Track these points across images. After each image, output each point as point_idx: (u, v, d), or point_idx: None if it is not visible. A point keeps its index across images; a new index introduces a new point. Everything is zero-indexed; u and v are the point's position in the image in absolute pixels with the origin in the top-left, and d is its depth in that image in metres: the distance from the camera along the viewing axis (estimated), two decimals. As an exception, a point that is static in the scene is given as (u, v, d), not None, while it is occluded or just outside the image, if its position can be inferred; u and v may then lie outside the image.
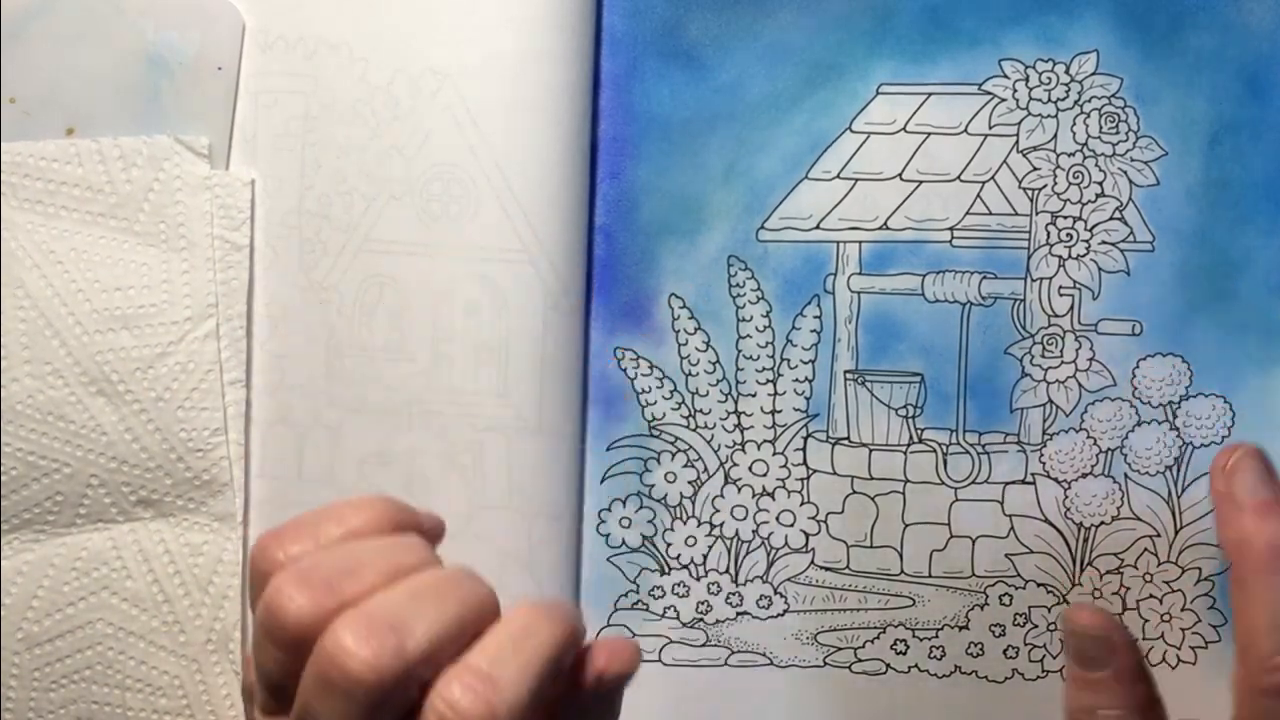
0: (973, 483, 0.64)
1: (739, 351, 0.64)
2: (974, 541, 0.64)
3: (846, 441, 0.64)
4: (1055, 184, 0.63)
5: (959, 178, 0.63)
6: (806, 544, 0.65)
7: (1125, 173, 0.63)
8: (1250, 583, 0.55)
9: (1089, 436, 0.64)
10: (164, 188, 0.61)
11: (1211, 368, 0.63)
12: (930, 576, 0.64)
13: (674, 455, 0.65)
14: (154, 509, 0.62)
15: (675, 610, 0.65)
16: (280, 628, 0.43)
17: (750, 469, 0.64)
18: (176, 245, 0.61)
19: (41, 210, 0.61)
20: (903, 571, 0.65)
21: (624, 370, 0.64)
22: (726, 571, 0.65)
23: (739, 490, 0.65)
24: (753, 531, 0.65)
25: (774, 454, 0.64)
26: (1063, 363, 0.64)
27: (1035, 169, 0.63)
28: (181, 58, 0.61)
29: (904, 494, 0.64)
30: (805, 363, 0.64)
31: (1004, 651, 0.65)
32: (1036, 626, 0.64)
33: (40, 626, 0.61)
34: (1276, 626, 0.54)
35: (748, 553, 0.65)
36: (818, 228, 0.64)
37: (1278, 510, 0.56)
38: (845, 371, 0.64)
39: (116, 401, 0.60)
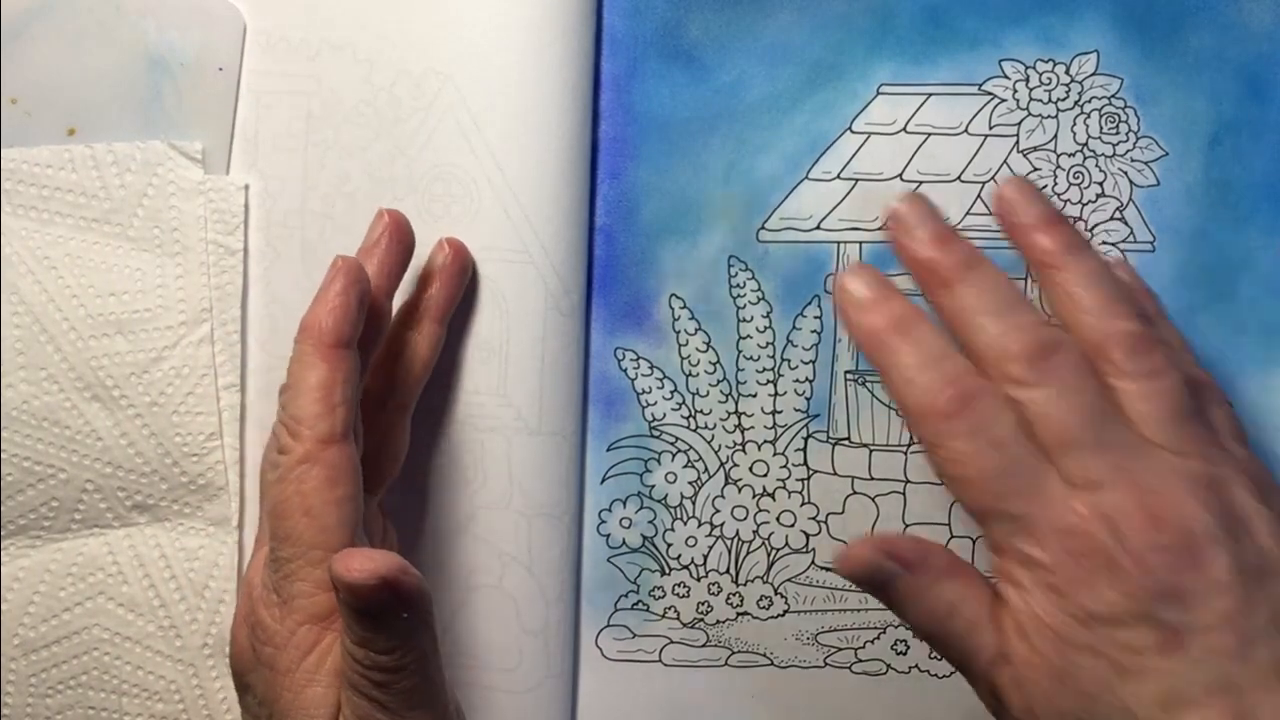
0: (973, 483, 0.61)
1: (739, 352, 0.62)
2: (974, 542, 0.62)
3: (847, 442, 0.63)
4: (1055, 184, 0.62)
5: (959, 178, 0.62)
6: (807, 544, 0.63)
7: (1125, 173, 0.62)
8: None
9: (1089, 437, 0.61)
10: (158, 193, 0.60)
11: (1211, 368, 0.61)
12: (930, 576, 0.61)
13: (674, 456, 0.63)
14: (149, 514, 0.60)
15: (675, 611, 0.63)
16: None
17: (751, 469, 0.63)
18: (170, 250, 0.60)
19: (36, 216, 0.60)
20: (903, 571, 0.62)
21: (624, 370, 0.62)
22: (727, 572, 0.63)
23: (739, 491, 0.63)
24: (753, 532, 0.63)
25: (774, 454, 0.63)
26: (1063, 363, 0.61)
27: (1035, 169, 0.62)
28: (183, 58, 0.60)
29: (904, 494, 0.63)
30: (806, 363, 0.62)
31: (1004, 651, 0.62)
32: (1036, 627, 0.61)
33: (36, 632, 0.60)
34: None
35: (748, 553, 0.63)
36: (818, 228, 0.62)
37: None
38: (846, 372, 0.62)
39: (111, 407, 0.59)
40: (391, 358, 0.57)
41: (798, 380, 0.62)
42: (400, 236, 0.57)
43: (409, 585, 0.47)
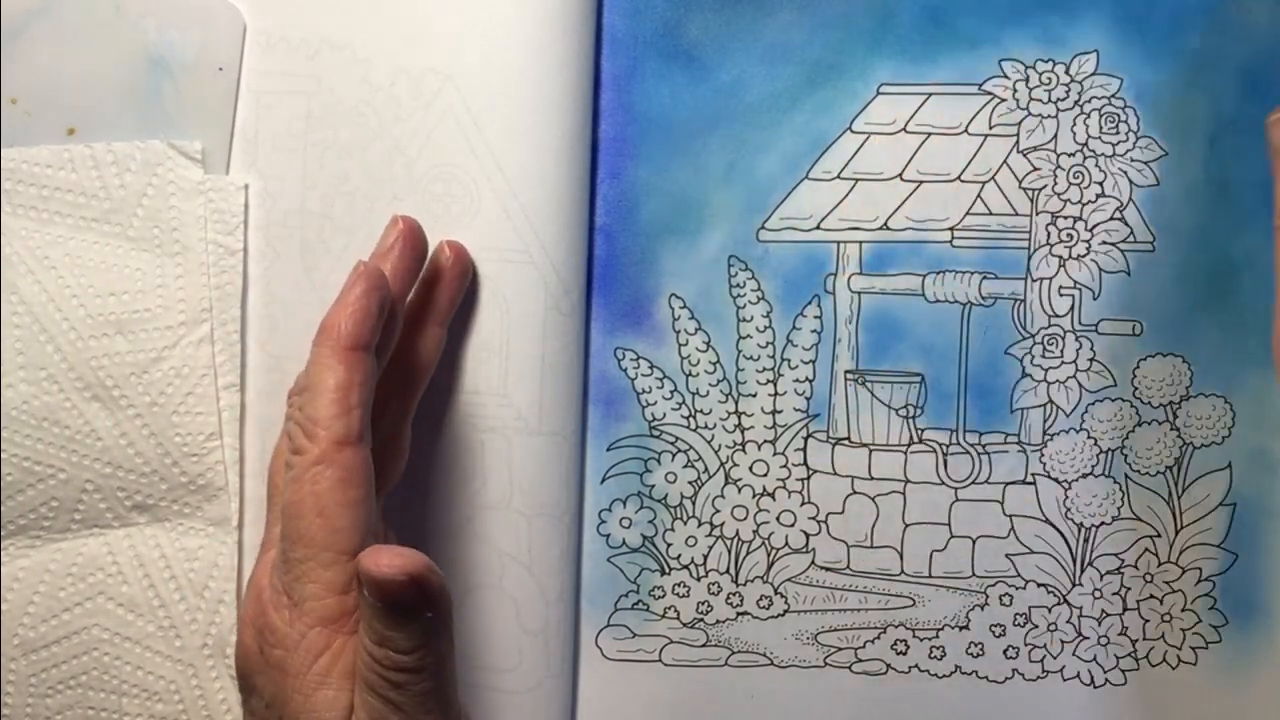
0: (973, 483, 0.62)
1: (739, 352, 0.62)
2: (974, 542, 0.62)
3: (847, 441, 0.62)
4: (1055, 184, 0.62)
5: (959, 178, 0.62)
6: (807, 544, 0.63)
7: (1125, 173, 0.61)
8: None
9: (1089, 437, 0.62)
10: (158, 193, 0.60)
11: (1211, 368, 0.62)
12: (930, 576, 0.63)
13: (674, 455, 0.63)
14: (149, 514, 0.60)
15: (676, 610, 0.63)
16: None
17: (751, 469, 0.62)
18: (170, 250, 0.60)
19: (36, 216, 0.60)
20: (903, 571, 0.63)
21: (624, 370, 0.62)
22: (727, 572, 0.63)
23: (739, 490, 0.63)
24: (753, 532, 0.63)
25: (774, 454, 0.62)
26: (1063, 363, 0.62)
27: (1035, 169, 0.62)
28: (183, 58, 0.60)
29: (904, 494, 0.62)
30: (805, 363, 0.62)
31: (1004, 651, 0.63)
32: (1036, 626, 0.63)
33: (36, 632, 0.60)
34: None
35: (748, 553, 0.63)
36: (818, 228, 0.62)
37: None
38: (845, 372, 0.62)
39: (111, 407, 0.59)
40: (394, 361, 0.57)
41: (798, 380, 0.62)
42: (414, 243, 0.57)
43: (435, 584, 0.48)
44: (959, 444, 0.62)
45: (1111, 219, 0.61)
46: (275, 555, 0.52)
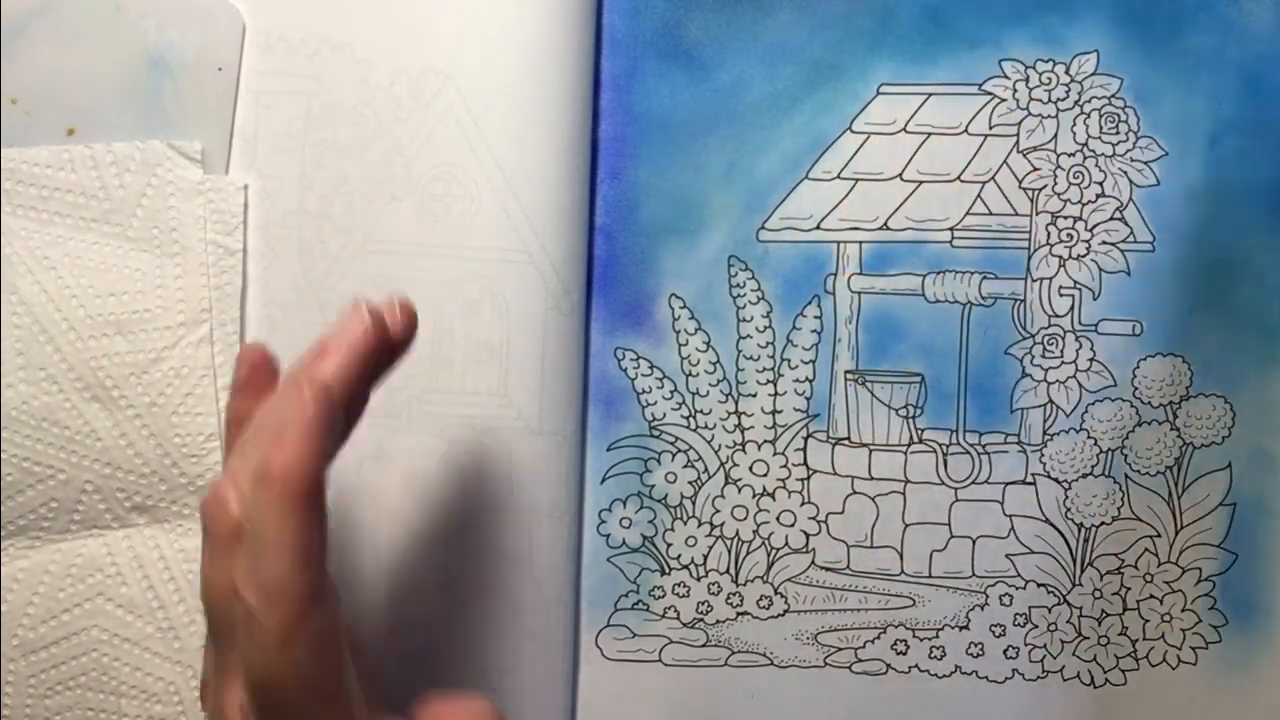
0: (973, 483, 0.62)
1: (739, 352, 0.62)
2: (974, 542, 0.62)
3: (847, 442, 0.62)
4: (1055, 184, 0.62)
5: (959, 178, 0.62)
6: (807, 544, 0.63)
7: (1125, 173, 0.61)
8: None
9: (1089, 437, 0.62)
10: (157, 193, 0.60)
11: (1211, 368, 0.62)
12: (930, 576, 0.63)
13: (674, 455, 0.63)
14: (149, 515, 0.60)
15: (676, 610, 0.63)
16: None
17: (751, 469, 0.62)
18: (170, 250, 0.60)
19: (35, 216, 0.59)
20: (903, 571, 0.63)
21: (624, 370, 0.62)
22: (727, 572, 0.63)
23: (739, 490, 0.63)
24: (753, 532, 0.63)
25: (774, 454, 0.62)
26: (1063, 363, 0.62)
27: (1035, 169, 0.62)
28: (182, 58, 0.60)
29: (904, 494, 0.62)
30: (805, 363, 0.62)
31: (1004, 651, 0.63)
32: (1036, 626, 0.62)
33: (36, 633, 0.60)
34: None
35: (748, 553, 0.63)
36: (818, 228, 0.62)
37: None
38: (846, 372, 0.62)
39: (111, 407, 0.59)
40: None
41: (798, 380, 0.62)
42: (380, 348, 0.50)
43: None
44: (959, 444, 0.62)
45: (1111, 219, 0.61)
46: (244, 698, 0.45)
